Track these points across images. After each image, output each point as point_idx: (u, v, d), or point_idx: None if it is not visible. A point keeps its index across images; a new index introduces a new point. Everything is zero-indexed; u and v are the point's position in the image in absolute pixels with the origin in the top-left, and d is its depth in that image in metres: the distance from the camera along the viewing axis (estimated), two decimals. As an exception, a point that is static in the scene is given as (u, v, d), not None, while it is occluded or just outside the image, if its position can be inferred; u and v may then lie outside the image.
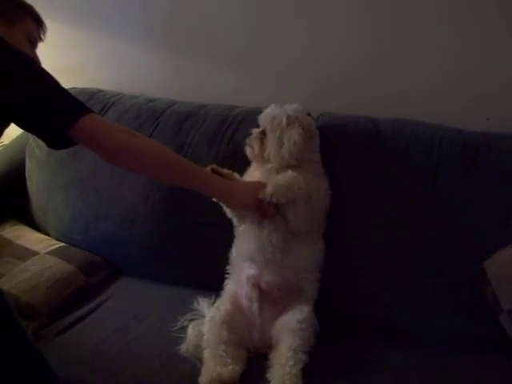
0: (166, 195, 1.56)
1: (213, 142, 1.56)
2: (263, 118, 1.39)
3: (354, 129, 1.46)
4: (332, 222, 1.38)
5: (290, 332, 1.23)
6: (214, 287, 1.42)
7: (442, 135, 1.40)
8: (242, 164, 1.43)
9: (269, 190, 1.23)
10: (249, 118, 1.54)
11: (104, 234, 1.62)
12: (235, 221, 1.37)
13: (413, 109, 1.50)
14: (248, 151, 1.40)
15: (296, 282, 1.32)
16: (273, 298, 1.31)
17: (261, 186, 1.26)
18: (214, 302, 1.38)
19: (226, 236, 1.41)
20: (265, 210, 1.26)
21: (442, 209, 1.35)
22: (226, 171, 1.34)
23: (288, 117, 1.34)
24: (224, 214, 1.38)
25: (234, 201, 1.27)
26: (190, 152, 1.57)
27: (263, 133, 1.37)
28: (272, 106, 1.39)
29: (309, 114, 1.44)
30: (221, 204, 1.34)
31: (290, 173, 1.27)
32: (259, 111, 1.43)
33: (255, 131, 1.39)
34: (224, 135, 1.56)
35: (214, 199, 1.30)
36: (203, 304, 1.42)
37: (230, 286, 1.38)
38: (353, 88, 1.61)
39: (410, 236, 1.36)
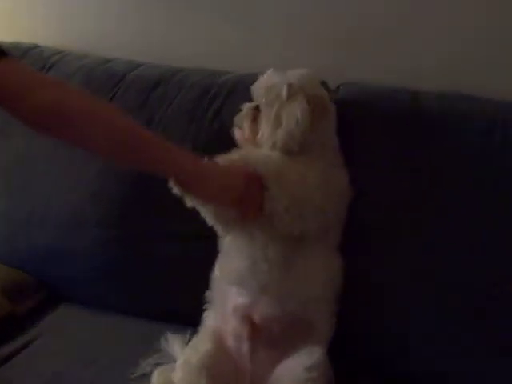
0: (127, 192, 1.57)
1: (191, 119, 1.57)
2: (257, 89, 1.40)
3: (386, 105, 1.47)
4: (350, 232, 1.39)
5: (294, 383, 1.23)
6: (188, 320, 1.43)
7: (506, 114, 1.42)
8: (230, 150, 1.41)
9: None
10: (240, 88, 1.55)
11: (37, 244, 1.62)
12: (219, 229, 1.36)
13: (466, 81, 1.53)
14: (236, 133, 1.41)
15: (302, 315, 1.32)
16: (270, 337, 1.31)
17: (247, 171, 1.25)
18: (189, 340, 1.39)
19: (208, 250, 1.42)
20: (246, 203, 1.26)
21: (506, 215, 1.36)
22: None
23: (289, 86, 1.34)
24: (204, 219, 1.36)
25: (206, 186, 1.23)
26: (159, 133, 1.53)
27: (257, 109, 1.38)
28: (270, 71, 1.40)
29: (323, 84, 1.45)
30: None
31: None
32: (254, 78, 1.43)
33: (246, 107, 1.40)
34: (206, 111, 1.58)
35: (175, 188, 1.25)
36: (174, 343, 1.42)
37: (211, 318, 1.38)
38: (387, 52, 1.62)
39: (461, 255, 1.38)
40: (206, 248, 1.43)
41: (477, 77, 1.55)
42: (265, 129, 1.35)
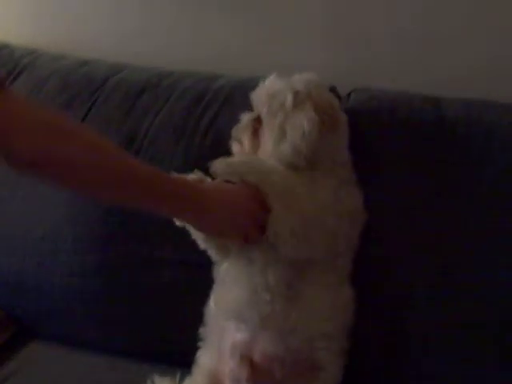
0: (108, 212, 1.54)
1: (182, 131, 1.54)
2: (258, 96, 1.38)
3: (404, 114, 1.44)
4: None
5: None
6: (178, 360, 1.41)
7: None
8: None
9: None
10: (239, 95, 1.53)
11: (4, 273, 1.60)
12: (213, 254, 1.34)
13: (493, 89, 1.51)
14: (234, 148, 1.39)
15: (308, 354, 1.30)
16: (272, 380, 1.29)
17: (249, 191, 1.23)
18: (180, 383, 1.39)
19: (201, 279, 1.40)
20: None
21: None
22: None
23: (295, 93, 1.32)
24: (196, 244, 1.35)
25: (206, 218, 1.22)
26: (146, 146, 1.55)
27: (258, 119, 1.36)
28: (272, 76, 1.38)
29: (333, 90, 1.44)
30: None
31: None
32: (254, 84, 1.41)
33: (246, 117, 1.37)
34: (199, 121, 1.55)
35: (177, 220, 1.27)
36: None
37: (205, 358, 1.36)
38: (407, 56, 1.61)
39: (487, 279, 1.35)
40: (200, 277, 1.42)
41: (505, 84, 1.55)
42: (267, 142, 1.33)
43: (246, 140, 1.37)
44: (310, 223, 1.24)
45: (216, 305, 1.35)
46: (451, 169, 1.39)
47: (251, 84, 1.44)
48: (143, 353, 1.52)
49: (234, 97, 1.54)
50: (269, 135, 1.33)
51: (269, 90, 1.35)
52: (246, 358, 1.29)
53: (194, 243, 1.32)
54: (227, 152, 1.40)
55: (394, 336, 1.39)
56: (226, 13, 1.74)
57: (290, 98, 1.31)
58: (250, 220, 1.23)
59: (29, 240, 1.59)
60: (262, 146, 1.34)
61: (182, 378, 1.38)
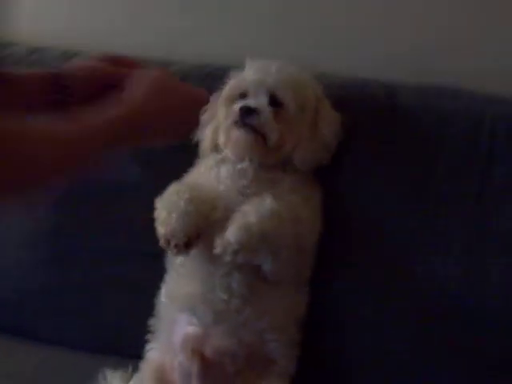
0: (58, 205, 1.49)
1: None
2: (261, 83, 1.28)
3: (354, 100, 1.39)
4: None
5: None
6: (131, 352, 1.37)
7: (495, 111, 1.36)
8: (182, 152, 1.35)
9: (230, 236, 1.14)
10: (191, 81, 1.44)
11: None
12: (173, 252, 1.26)
13: (447, 72, 1.48)
14: (246, 138, 1.26)
15: (260, 348, 1.27)
16: (223, 374, 1.26)
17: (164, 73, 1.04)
18: (132, 376, 1.36)
19: (154, 269, 1.35)
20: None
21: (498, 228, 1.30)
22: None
23: (314, 90, 1.31)
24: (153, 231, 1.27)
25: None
26: None
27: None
28: (254, 62, 1.33)
29: None
30: None
31: (268, 202, 1.18)
32: (207, 71, 1.44)
33: (261, 103, 1.26)
34: None
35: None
36: (113, 380, 1.36)
37: (154, 351, 1.33)
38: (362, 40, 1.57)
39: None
40: (152, 267, 1.37)
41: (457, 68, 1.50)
42: (289, 137, 1.28)
43: (274, 133, 1.26)
44: (300, 251, 1.23)
45: (167, 297, 1.32)
46: (402, 157, 1.36)
47: (203, 71, 1.47)
48: (95, 345, 1.49)
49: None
50: (296, 131, 1.28)
51: (286, 78, 1.29)
52: (198, 353, 1.25)
53: (146, 233, 1.27)
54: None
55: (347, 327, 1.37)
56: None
57: (310, 91, 1.30)
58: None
59: None
60: (290, 133, 1.27)
61: (134, 372, 1.35)
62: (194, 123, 1.11)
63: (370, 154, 1.36)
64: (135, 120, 0.95)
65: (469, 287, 1.29)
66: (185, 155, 1.36)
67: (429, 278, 1.31)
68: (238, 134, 1.26)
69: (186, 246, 1.18)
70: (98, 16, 1.76)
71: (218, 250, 1.15)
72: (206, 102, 1.11)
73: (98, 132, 0.92)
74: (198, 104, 1.07)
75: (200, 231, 1.19)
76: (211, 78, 1.40)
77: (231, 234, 1.13)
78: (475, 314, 1.29)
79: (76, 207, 1.49)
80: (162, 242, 1.19)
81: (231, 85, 1.33)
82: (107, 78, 1.05)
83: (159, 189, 1.25)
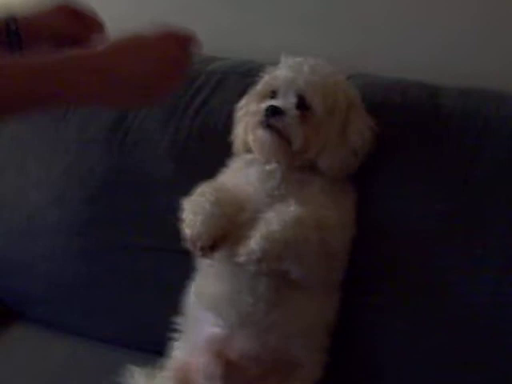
0: (95, 195, 1.50)
1: (172, 112, 1.48)
2: (290, 82, 1.25)
3: (397, 101, 1.34)
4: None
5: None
6: (159, 349, 1.35)
7: None
8: (216, 151, 1.37)
9: (253, 245, 1.12)
10: (231, 79, 1.48)
11: None
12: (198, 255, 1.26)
13: (490, 75, 1.43)
14: (268, 137, 1.23)
15: (286, 352, 1.24)
16: (247, 378, 1.24)
17: (174, 39, 1.00)
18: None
19: (186, 267, 1.32)
20: None
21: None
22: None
23: (347, 95, 1.26)
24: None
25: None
26: (136, 125, 1.49)
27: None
28: (289, 59, 1.29)
29: None
30: None
31: (292, 209, 1.16)
32: (247, 67, 1.43)
33: (288, 104, 1.23)
34: (190, 102, 1.48)
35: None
36: (139, 378, 1.34)
37: (179, 350, 1.31)
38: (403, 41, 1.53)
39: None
40: (181, 265, 1.35)
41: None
42: (315, 141, 1.24)
43: (299, 134, 1.22)
44: (328, 255, 1.19)
45: (195, 296, 1.30)
46: (443, 161, 1.30)
47: (244, 68, 1.46)
48: (123, 340, 1.48)
49: (227, 80, 1.48)
50: (324, 134, 1.24)
51: (315, 80, 1.24)
52: (222, 355, 1.23)
53: (176, 230, 1.24)
54: (216, 134, 1.38)
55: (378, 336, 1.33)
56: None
57: (341, 96, 1.25)
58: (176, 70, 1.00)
59: (15, 220, 1.56)
60: (316, 138, 1.23)
61: (160, 369, 1.33)
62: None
63: (407, 157, 1.32)
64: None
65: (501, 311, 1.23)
66: (219, 153, 1.35)
67: (462, 294, 1.25)
68: (262, 134, 1.24)
69: (211, 248, 1.17)
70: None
71: (241, 258, 1.13)
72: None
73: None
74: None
75: (226, 233, 1.18)
76: (251, 76, 1.38)
77: (254, 242, 1.12)
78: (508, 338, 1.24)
79: (110, 201, 1.49)
80: (188, 244, 1.18)
81: (263, 81, 1.31)
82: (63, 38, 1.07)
83: (192, 187, 1.24)
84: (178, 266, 1.37)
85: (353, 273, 1.27)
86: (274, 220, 1.14)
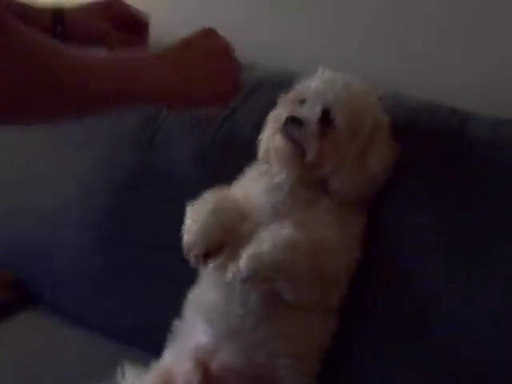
0: (122, 190, 1.51)
1: (198, 118, 1.46)
2: (321, 94, 1.22)
3: (422, 124, 1.28)
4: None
5: None
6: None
7: None
8: (239, 162, 1.33)
9: (241, 264, 1.10)
10: (262, 90, 1.45)
11: (15, 238, 1.61)
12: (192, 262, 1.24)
13: None
14: (286, 147, 1.21)
15: (271, 372, 1.19)
16: None
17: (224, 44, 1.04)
18: None
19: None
20: None
21: None
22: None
23: (374, 119, 1.22)
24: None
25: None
26: (164, 127, 1.49)
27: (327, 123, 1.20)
28: (325, 72, 1.26)
29: None
30: None
31: (286, 231, 1.13)
32: (281, 79, 1.40)
33: (312, 115, 1.20)
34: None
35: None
36: (129, 375, 1.30)
37: (168, 354, 1.28)
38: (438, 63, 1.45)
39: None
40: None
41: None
42: (330, 158, 1.20)
43: (314, 145, 1.20)
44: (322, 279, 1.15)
45: (193, 301, 1.28)
46: (462, 191, 1.22)
47: (277, 79, 1.43)
48: (133, 336, 1.47)
49: (257, 91, 1.45)
50: (340, 152, 1.20)
51: (344, 97, 1.22)
52: (203, 364, 1.20)
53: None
54: (240, 144, 1.37)
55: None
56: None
57: (368, 119, 1.21)
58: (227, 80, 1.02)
59: (42, 208, 1.58)
60: (313, 156, 1.20)
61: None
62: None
63: (427, 180, 1.25)
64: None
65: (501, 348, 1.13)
66: (243, 162, 1.32)
67: (458, 329, 1.17)
68: (278, 140, 1.22)
69: (204, 257, 1.16)
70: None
71: (228, 276, 1.13)
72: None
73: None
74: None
75: (223, 243, 1.17)
76: (284, 86, 1.34)
77: (242, 262, 1.10)
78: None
79: (134, 195, 1.49)
80: (183, 251, 1.18)
81: (296, 89, 1.29)
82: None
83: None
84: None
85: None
86: (266, 241, 1.12)
